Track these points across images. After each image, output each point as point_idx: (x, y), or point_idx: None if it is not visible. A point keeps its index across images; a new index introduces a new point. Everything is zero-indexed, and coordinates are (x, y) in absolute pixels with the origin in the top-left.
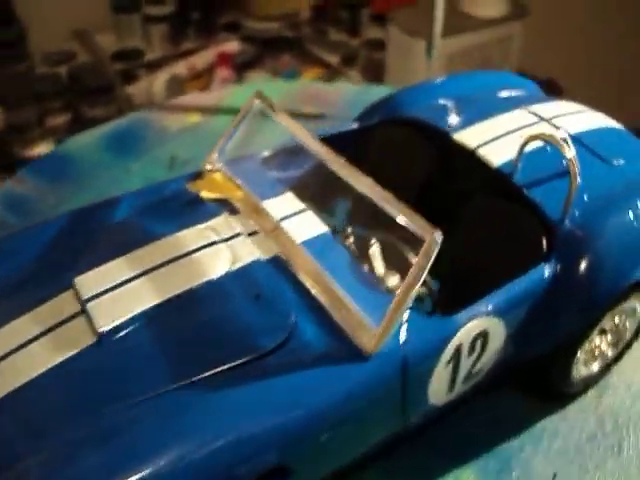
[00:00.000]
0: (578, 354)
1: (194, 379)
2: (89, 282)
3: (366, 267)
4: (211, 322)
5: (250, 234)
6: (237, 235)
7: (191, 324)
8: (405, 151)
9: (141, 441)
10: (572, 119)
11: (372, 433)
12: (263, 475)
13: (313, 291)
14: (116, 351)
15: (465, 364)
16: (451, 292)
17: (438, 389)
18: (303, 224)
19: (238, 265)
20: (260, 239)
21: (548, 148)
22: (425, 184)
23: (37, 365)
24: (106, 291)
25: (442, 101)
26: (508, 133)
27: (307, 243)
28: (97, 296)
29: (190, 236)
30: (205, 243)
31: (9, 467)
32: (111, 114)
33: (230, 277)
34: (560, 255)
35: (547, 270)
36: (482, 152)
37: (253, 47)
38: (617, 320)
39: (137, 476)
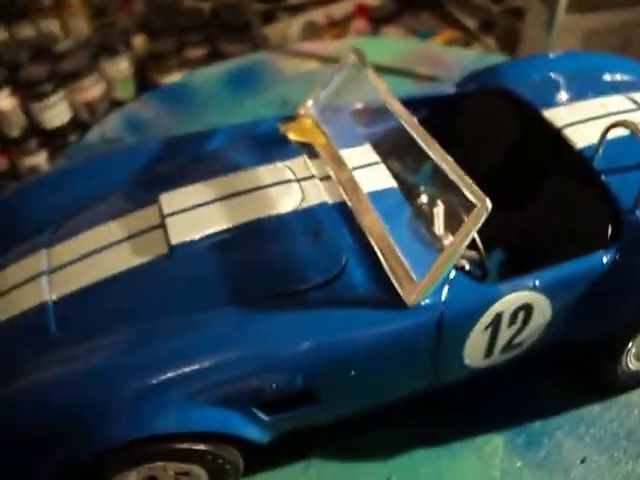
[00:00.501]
0: (630, 347)
1: (247, 299)
2: (171, 200)
3: (427, 225)
4: (271, 252)
5: (323, 178)
6: (311, 177)
7: (253, 251)
8: (494, 121)
9: (191, 344)
10: None
11: (403, 381)
12: (290, 396)
13: (370, 239)
14: (183, 264)
15: (505, 334)
16: (515, 262)
17: (474, 352)
18: (374, 176)
19: (305, 204)
20: (331, 184)
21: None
22: (508, 155)
23: (115, 266)
24: (185, 210)
25: (543, 77)
26: (599, 117)
27: (373, 194)
28: (176, 213)
29: (268, 171)
30: (280, 180)
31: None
32: (245, 51)
33: (296, 214)
34: (624, 245)
35: (607, 257)
36: (567, 132)
37: (393, 2)
38: None
39: (184, 370)
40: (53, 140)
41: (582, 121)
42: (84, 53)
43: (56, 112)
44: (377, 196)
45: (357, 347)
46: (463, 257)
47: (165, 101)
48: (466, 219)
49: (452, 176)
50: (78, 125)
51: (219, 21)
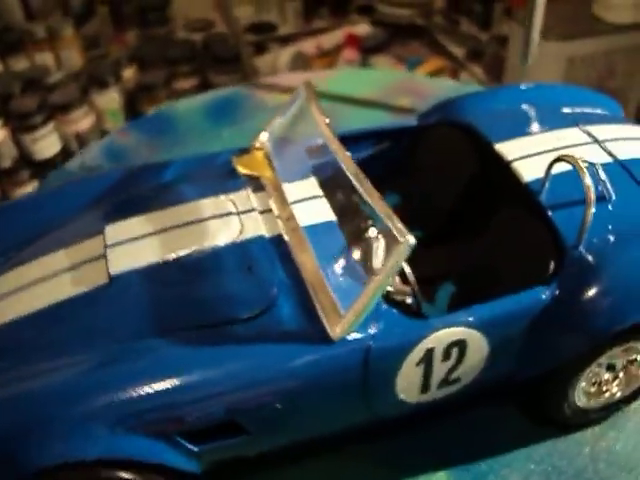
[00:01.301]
0: (577, 384)
1: (173, 331)
2: (115, 231)
3: (361, 260)
4: (202, 284)
5: (264, 211)
6: (252, 210)
7: (185, 282)
8: (451, 154)
9: (115, 375)
10: (632, 144)
11: (336, 415)
12: (216, 427)
13: (302, 273)
14: (120, 294)
15: (439, 369)
16: (466, 295)
17: (408, 387)
18: (314, 210)
19: (242, 237)
20: (270, 218)
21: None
22: (464, 188)
23: (55, 295)
24: (126, 241)
25: (505, 109)
26: (552, 150)
27: (310, 228)
28: (118, 244)
29: (211, 204)
30: (221, 212)
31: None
32: (235, 83)
33: (232, 247)
34: (564, 280)
35: (546, 293)
36: (518, 165)
37: (383, 32)
38: (627, 360)
39: (107, 398)
40: (44, 171)
41: (534, 154)
42: (74, 85)
43: (46, 143)
44: (313, 230)
45: (281, 380)
46: (400, 292)
47: (145, 131)
48: (390, 255)
49: (379, 212)
50: (68, 156)
51: (210, 53)
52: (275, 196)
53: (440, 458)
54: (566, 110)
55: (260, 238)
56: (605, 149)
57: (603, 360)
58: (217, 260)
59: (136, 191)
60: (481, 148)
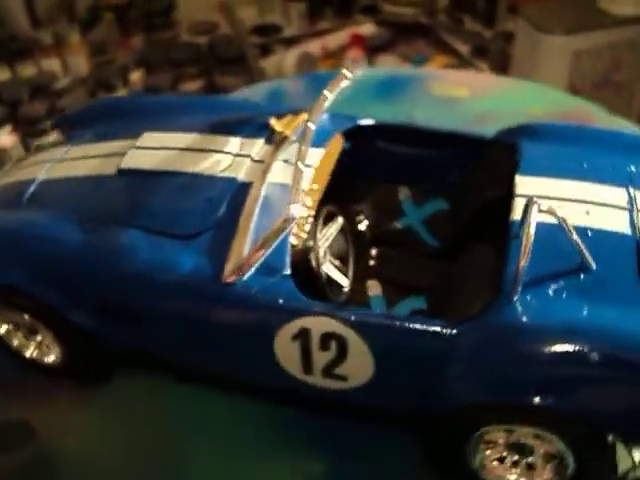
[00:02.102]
0: (473, 448)
1: (133, 226)
2: (147, 137)
3: None
4: (172, 198)
5: (256, 161)
6: (247, 156)
7: (161, 193)
8: (488, 173)
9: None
10: None
11: (226, 353)
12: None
13: (240, 217)
14: (120, 184)
15: (318, 356)
16: (426, 311)
17: (289, 360)
18: (287, 171)
19: (220, 174)
20: (254, 167)
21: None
22: (480, 209)
23: (84, 171)
24: (149, 147)
25: (567, 145)
26: (570, 200)
27: (272, 185)
28: (140, 148)
29: (223, 141)
30: (224, 150)
31: None
32: (241, 84)
33: (207, 178)
34: (473, 329)
35: (450, 331)
36: (519, 201)
37: (387, 31)
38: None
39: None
40: None
41: (548, 197)
42: (82, 90)
43: None
44: (273, 187)
45: (167, 290)
46: (322, 269)
47: (315, 86)
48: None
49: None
50: None
51: (215, 55)
52: (272, 151)
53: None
54: (633, 167)
55: (232, 179)
56: (634, 221)
57: (493, 434)
58: (191, 184)
59: (190, 113)
60: (509, 175)
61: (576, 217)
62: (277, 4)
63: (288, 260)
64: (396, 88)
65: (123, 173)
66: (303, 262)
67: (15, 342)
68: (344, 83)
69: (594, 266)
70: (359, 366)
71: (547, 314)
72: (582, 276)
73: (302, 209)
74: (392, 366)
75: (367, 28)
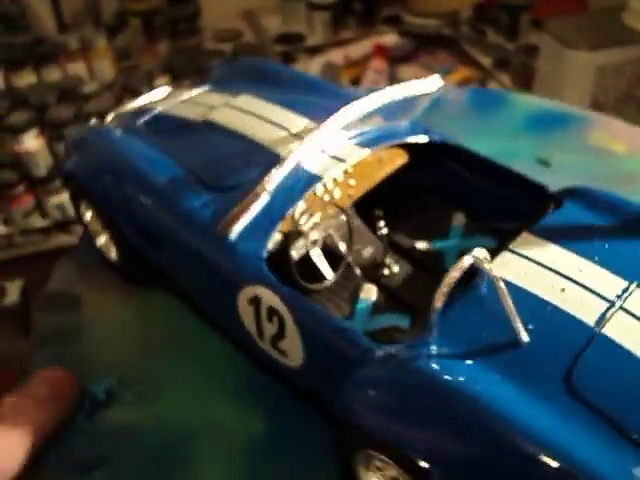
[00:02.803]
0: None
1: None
2: (242, 99)
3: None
4: (225, 155)
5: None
6: (300, 138)
7: (223, 148)
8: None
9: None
10: None
11: (211, 299)
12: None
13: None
14: (199, 133)
15: (266, 327)
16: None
17: (247, 321)
18: (322, 160)
19: (272, 147)
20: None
21: None
22: None
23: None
24: (236, 108)
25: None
26: (552, 270)
27: (299, 167)
28: (231, 106)
29: (294, 120)
30: (290, 128)
31: None
32: None
33: (261, 147)
34: (384, 352)
35: (362, 345)
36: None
37: (410, 42)
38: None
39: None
40: None
41: (541, 265)
42: (108, 95)
43: None
44: (296, 169)
45: (176, 226)
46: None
47: (476, 101)
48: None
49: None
50: None
51: None
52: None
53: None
54: None
55: (276, 155)
56: (605, 317)
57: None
58: (246, 149)
59: (284, 89)
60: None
61: (548, 290)
62: (301, 13)
63: (271, 233)
64: (548, 123)
65: (206, 124)
66: (283, 240)
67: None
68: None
69: (524, 343)
70: (294, 348)
71: (449, 369)
72: (505, 347)
73: (271, 185)
74: (318, 359)
75: (390, 38)
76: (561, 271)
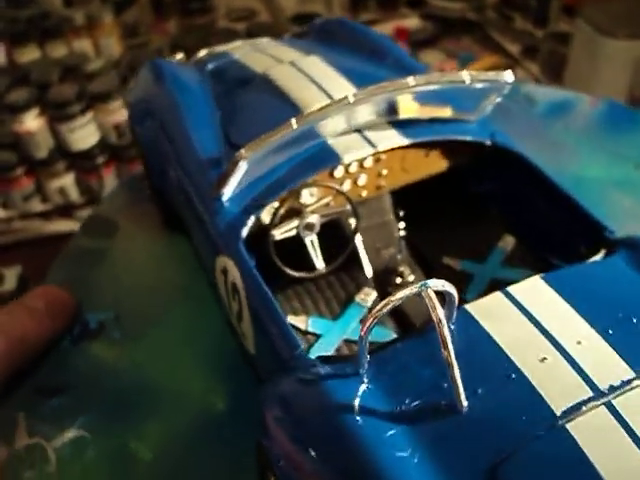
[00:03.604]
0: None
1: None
2: (309, 60)
3: None
4: (260, 111)
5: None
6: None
7: (260, 105)
8: None
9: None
10: None
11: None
12: None
13: None
14: (253, 84)
15: (231, 301)
16: None
17: (222, 292)
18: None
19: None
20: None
21: None
22: None
23: (257, 64)
24: (296, 67)
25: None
26: (549, 338)
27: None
28: (293, 65)
29: (345, 87)
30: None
31: None
32: None
33: (295, 107)
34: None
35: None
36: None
37: (432, 26)
38: None
39: None
40: (80, 162)
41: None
42: (114, 73)
43: (84, 134)
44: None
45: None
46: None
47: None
48: None
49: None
50: (106, 148)
51: None
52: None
53: None
54: None
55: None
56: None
57: None
58: (282, 106)
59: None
60: None
61: (524, 353)
62: None
63: (263, 205)
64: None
65: (263, 78)
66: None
67: None
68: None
69: (459, 410)
70: (248, 334)
71: (361, 416)
72: (436, 409)
73: (247, 159)
74: (263, 352)
75: (411, 22)
76: (555, 336)
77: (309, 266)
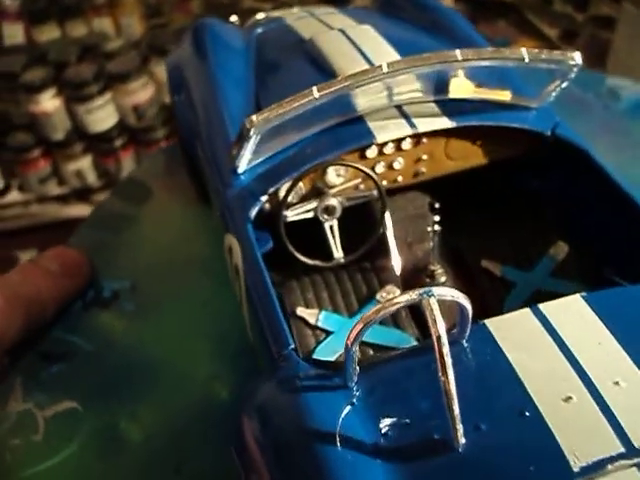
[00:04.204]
0: None
1: None
2: (361, 29)
3: None
4: (296, 77)
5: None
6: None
7: (299, 70)
8: None
9: None
10: None
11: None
12: None
13: None
14: (297, 49)
15: (236, 288)
16: None
17: (230, 276)
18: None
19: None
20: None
21: None
22: None
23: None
24: (346, 35)
25: None
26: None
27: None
28: (341, 32)
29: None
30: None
31: None
32: None
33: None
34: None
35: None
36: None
37: (467, 8)
38: None
39: None
40: (98, 145)
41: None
42: (134, 53)
43: (102, 115)
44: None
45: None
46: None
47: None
48: None
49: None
50: (124, 130)
51: None
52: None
53: None
54: None
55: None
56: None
57: None
58: (318, 73)
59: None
60: None
61: (545, 388)
62: None
63: (280, 181)
64: None
65: (308, 44)
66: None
67: None
68: None
69: (459, 447)
70: (247, 321)
71: (342, 437)
72: (428, 443)
73: (258, 127)
74: (257, 343)
75: (445, 4)
76: (587, 371)
77: (328, 254)
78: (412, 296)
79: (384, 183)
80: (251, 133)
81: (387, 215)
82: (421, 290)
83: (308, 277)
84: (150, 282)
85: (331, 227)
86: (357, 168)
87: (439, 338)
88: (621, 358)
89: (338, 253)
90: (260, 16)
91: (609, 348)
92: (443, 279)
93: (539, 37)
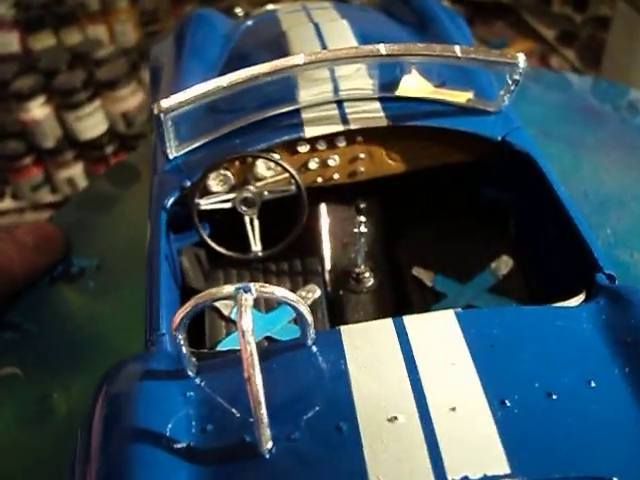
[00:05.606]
0: None
1: None
2: (337, 24)
3: None
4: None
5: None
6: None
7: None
8: None
9: None
10: None
11: None
12: None
13: None
14: (272, 40)
15: None
16: None
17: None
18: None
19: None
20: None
21: None
22: None
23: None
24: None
25: None
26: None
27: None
28: (319, 26)
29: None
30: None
31: None
32: None
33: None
34: None
35: None
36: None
37: (464, 10)
38: None
39: None
40: (89, 152)
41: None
42: (123, 60)
43: (92, 122)
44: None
45: None
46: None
47: None
48: None
49: None
50: (114, 137)
51: None
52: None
53: None
54: None
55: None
56: None
57: None
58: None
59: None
60: None
61: (378, 407)
62: None
63: (200, 169)
64: None
65: (281, 35)
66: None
67: None
68: None
69: (263, 454)
70: None
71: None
72: (240, 446)
73: (166, 110)
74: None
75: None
76: (426, 392)
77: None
78: (228, 290)
79: (319, 180)
80: (162, 118)
81: (323, 212)
82: (240, 285)
83: (236, 270)
84: (116, 262)
85: (251, 220)
86: (273, 161)
87: (243, 334)
88: (469, 383)
89: (256, 246)
90: (261, 10)
91: (462, 370)
92: (370, 283)
93: (536, 39)
